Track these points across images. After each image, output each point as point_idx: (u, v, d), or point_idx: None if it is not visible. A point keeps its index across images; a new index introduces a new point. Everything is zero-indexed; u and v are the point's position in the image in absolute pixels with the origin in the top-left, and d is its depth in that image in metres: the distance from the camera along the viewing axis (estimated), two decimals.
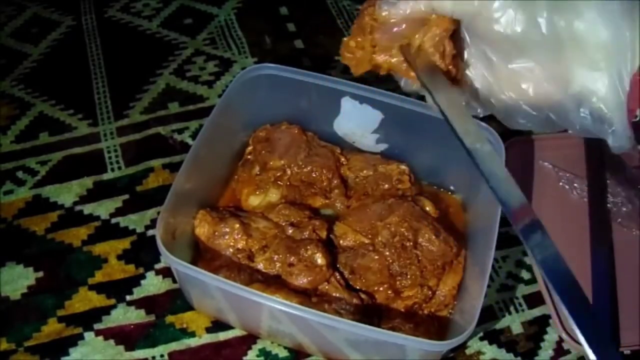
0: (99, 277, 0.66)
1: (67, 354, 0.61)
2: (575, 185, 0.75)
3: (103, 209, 0.71)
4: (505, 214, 0.45)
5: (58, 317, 0.64)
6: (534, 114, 0.48)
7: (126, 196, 0.72)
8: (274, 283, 0.58)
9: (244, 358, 0.62)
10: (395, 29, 0.49)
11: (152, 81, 0.83)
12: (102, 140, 0.77)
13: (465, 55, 0.51)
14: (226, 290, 0.53)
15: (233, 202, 0.69)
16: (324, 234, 0.62)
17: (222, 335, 0.63)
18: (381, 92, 0.66)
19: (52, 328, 0.63)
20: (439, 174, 0.72)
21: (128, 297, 0.65)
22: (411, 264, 0.61)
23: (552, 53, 0.45)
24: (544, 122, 0.49)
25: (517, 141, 0.76)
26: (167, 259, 0.54)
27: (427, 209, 0.65)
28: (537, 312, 0.66)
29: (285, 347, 0.62)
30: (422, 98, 0.58)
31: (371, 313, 0.60)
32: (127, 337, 0.63)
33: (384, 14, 0.48)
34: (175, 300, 0.65)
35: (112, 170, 0.75)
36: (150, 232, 0.70)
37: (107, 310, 0.64)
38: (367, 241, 0.63)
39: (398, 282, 0.61)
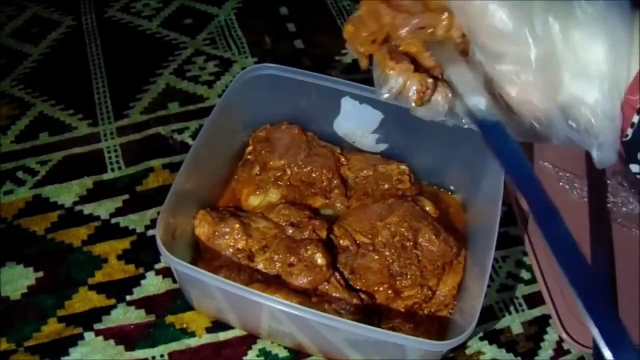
0: (99, 277, 0.66)
1: (67, 354, 0.61)
2: (575, 185, 0.75)
3: (103, 209, 0.71)
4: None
5: (58, 317, 0.64)
6: (515, 120, 0.46)
7: (126, 196, 0.72)
8: (274, 283, 0.58)
9: (244, 358, 0.62)
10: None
11: (152, 81, 0.84)
12: (102, 140, 0.77)
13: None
14: (226, 290, 0.53)
15: (233, 202, 0.69)
16: (324, 234, 0.62)
17: (222, 335, 0.63)
18: None
19: (52, 328, 0.63)
20: (439, 174, 0.72)
21: (128, 297, 0.65)
22: (411, 264, 0.61)
23: (543, 57, 0.43)
24: (525, 131, 0.47)
25: (518, 141, 0.76)
26: (167, 259, 0.54)
27: (427, 209, 0.65)
28: (537, 312, 0.66)
29: (285, 347, 0.62)
30: None
31: (371, 313, 0.60)
32: (127, 337, 0.63)
33: None
34: (175, 300, 0.65)
35: (112, 170, 0.75)
36: (150, 232, 0.70)
37: (107, 310, 0.64)
38: (367, 241, 0.63)
39: (398, 282, 0.61)
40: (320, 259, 0.59)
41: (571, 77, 0.43)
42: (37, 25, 0.90)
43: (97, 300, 0.65)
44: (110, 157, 0.76)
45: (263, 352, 0.62)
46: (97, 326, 0.63)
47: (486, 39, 0.45)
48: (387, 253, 0.61)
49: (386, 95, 0.48)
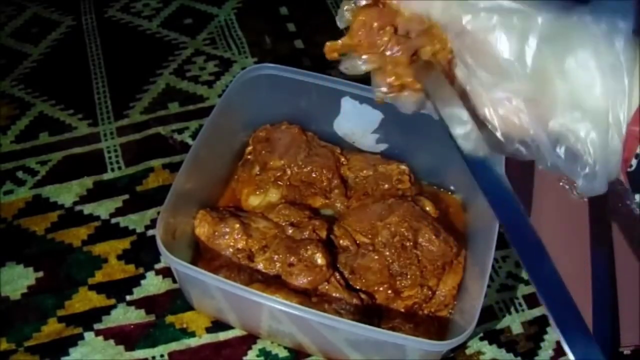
0: (99, 277, 0.66)
1: (67, 354, 0.61)
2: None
3: (103, 209, 0.71)
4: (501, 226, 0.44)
5: (58, 317, 0.64)
6: (501, 141, 0.46)
7: (126, 196, 0.72)
8: (274, 283, 0.58)
9: (244, 358, 0.62)
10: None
11: (152, 81, 0.84)
12: (102, 140, 0.77)
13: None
14: (226, 290, 0.53)
15: (233, 202, 0.69)
16: (324, 234, 0.62)
17: (222, 335, 0.63)
18: None
19: (52, 328, 0.63)
20: (439, 174, 0.72)
21: (128, 297, 0.65)
22: (411, 264, 0.61)
23: (536, 86, 0.42)
24: (511, 151, 0.46)
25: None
26: (167, 259, 0.54)
27: (427, 209, 0.65)
28: (537, 312, 0.66)
29: (285, 347, 0.62)
30: None
31: (371, 313, 0.60)
32: (127, 337, 0.63)
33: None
34: (175, 300, 0.65)
35: (112, 170, 0.75)
36: (150, 232, 0.70)
37: (107, 310, 0.64)
38: (367, 241, 0.63)
39: (398, 282, 0.61)
40: (320, 259, 0.59)
41: (564, 107, 0.42)
42: (37, 25, 0.90)
43: (97, 300, 0.65)
44: (110, 157, 0.76)
45: (263, 352, 0.62)
46: (97, 326, 0.63)
47: (480, 67, 0.44)
48: (387, 253, 0.61)
49: (363, 67, 0.49)
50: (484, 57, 0.43)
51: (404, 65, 0.48)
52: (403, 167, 0.70)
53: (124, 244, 0.69)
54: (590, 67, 0.40)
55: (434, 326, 0.61)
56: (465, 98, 0.47)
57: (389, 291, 0.61)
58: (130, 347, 0.62)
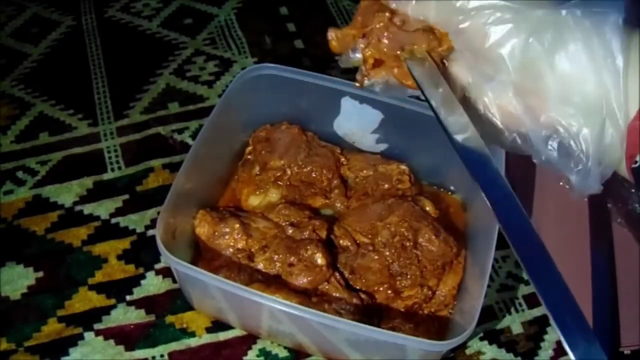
0: (99, 277, 0.66)
1: (67, 354, 0.61)
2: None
3: (103, 209, 0.71)
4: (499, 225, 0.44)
5: (58, 317, 0.64)
6: (498, 132, 0.46)
7: (126, 196, 0.72)
8: (274, 283, 0.58)
9: (244, 358, 0.62)
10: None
11: (152, 81, 0.84)
12: (102, 140, 0.77)
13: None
14: (226, 290, 0.53)
15: (233, 202, 0.69)
16: (324, 234, 0.62)
17: (222, 335, 0.63)
18: None
19: (52, 328, 0.63)
20: (439, 174, 0.71)
21: (128, 297, 0.65)
22: (411, 264, 0.61)
23: (529, 80, 0.42)
24: (509, 143, 0.46)
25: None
26: (167, 259, 0.54)
27: (427, 209, 0.65)
28: (537, 312, 0.66)
29: (285, 347, 0.62)
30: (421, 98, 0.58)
31: (371, 313, 0.60)
32: (127, 337, 0.63)
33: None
34: (175, 300, 0.65)
35: (112, 170, 0.75)
36: (150, 232, 0.70)
37: (107, 310, 0.64)
38: (367, 241, 0.63)
39: (398, 282, 0.61)
40: (320, 259, 0.59)
41: (556, 102, 0.41)
42: (37, 25, 0.90)
43: (97, 300, 0.65)
44: (110, 157, 0.76)
45: (263, 352, 0.62)
46: (97, 326, 0.63)
47: (479, 61, 0.44)
48: (387, 253, 0.61)
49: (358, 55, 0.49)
50: (482, 53, 0.43)
51: (393, 58, 0.48)
52: (403, 167, 0.70)
53: (124, 244, 0.69)
54: (581, 60, 0.40)
55: (434, 326, 0.61)
56: (462, 93, 0.48)
57: (389, 291, 0.61)
58: (130, 347, 0.62)
